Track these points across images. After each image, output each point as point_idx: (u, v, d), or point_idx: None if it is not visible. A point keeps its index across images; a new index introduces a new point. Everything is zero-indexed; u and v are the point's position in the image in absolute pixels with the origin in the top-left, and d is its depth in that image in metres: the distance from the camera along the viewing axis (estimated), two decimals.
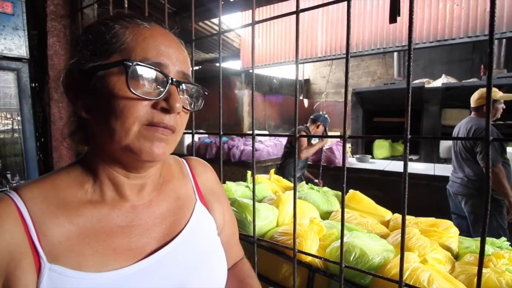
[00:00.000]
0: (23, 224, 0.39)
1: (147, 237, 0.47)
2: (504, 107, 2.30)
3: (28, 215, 0.39)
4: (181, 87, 0.44)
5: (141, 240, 0.46)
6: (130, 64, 0.39)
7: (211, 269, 0.52)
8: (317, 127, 3.11)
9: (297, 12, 0.70)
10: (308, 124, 3.20)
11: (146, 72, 0.41)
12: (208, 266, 0.52)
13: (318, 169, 3.52)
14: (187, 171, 0.60)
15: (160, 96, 0.41)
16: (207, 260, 0.52)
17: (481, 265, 0.53)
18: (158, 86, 0.42)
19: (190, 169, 0.61)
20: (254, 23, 0.78)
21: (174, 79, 0.43)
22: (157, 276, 0.45)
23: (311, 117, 3.21)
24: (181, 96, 0.44)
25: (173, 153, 0.54)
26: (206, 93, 0.51)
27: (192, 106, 0.49)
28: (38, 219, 0.40)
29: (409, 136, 0.56)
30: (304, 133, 3.02)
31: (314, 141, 3.17)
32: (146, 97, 0.40)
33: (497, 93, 2.24)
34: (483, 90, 2.31)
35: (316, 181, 3.38)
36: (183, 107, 0.45)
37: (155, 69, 0.41)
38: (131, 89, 0.39)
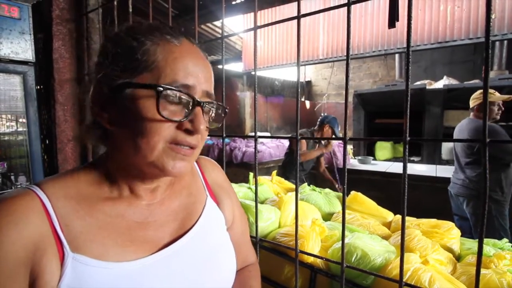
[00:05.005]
0: (47, 215, 0.41)
1: (161, 232, 0.49)
2: (503, 109, 2.32)
3: (51, 207, 0.41)
4: (205, 107, 0.46)
5: (156, 234, 0.49)
6: (162, 89, 0.41)
7: (221, 262, 0.55)
8: (322, 129, 2.87)
9: (298, 17, 0.72)
10: (315, 128, 2.97)
11: (174, 95, 0.43)
12: (218, 259, 0.55)
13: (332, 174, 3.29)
14: (197, 169, 0.63)
15: (186, 118, 0.43)
16: (218, 253, 0.55)
17: (479, 265, 0.54)
18: (184, 107, 0.44)
19: (199, 167, 0.63)
20: (256, 27, 0.80)
21: (200, 101, 0.44)
22: (173, 266, 0.48)
23: (318, 121, 2.96)
24: (204, 115, 0.46)
25: None
26: (226, 110, 0.53)
27: (212, 122, 0.51)
28: (60, 212, 0.42)
29: (408, 138, 0.57)
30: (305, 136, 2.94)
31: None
32: (173, 119, 0.42)
33: (493, 95, 2.28)
34: (481, 91, 2.33)
35: (337, 186, 3.16)
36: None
37: (183, 93, 0.43)
38: (161, 112, 0.41)
